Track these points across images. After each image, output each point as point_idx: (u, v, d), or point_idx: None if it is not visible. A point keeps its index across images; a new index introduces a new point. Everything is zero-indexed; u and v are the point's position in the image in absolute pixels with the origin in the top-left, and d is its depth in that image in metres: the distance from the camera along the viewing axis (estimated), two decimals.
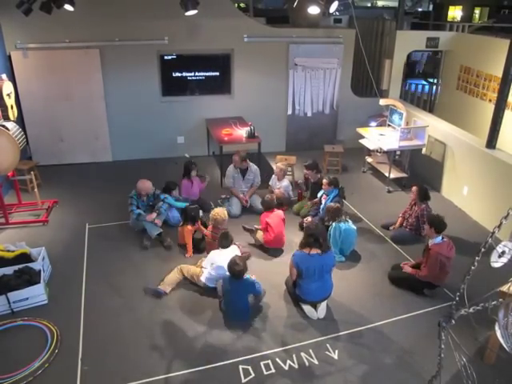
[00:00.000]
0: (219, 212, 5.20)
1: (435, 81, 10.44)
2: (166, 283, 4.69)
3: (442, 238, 4.56)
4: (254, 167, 6.57)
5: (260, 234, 5.52)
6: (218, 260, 4.56)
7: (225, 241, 4.65)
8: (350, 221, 5.39)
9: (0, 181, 6.00)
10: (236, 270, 4.10)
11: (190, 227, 5.36)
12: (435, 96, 10.04)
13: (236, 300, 4.23)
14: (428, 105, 10.27)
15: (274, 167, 7.01)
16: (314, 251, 4.26)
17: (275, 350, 3.95)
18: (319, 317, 4.36)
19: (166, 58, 7.96)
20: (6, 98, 5.75)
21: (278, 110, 8.73)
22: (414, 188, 5.72)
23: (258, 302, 4.41)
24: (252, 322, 4.28)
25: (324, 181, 5.89)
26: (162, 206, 5.71)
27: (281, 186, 6.57)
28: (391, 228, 5.95)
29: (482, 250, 2.35)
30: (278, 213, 5.56)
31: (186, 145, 8.46)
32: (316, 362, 3.83)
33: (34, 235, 5.73)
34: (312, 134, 8.96)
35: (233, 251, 4.64)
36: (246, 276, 4.28)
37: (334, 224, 5.27)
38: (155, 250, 5.49)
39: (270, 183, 6.79)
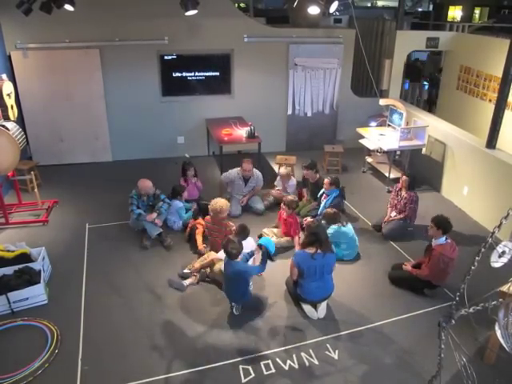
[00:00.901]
0: (218, 201, 5.13)
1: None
2: (195, 266, 4.86)
3: (446, 238, 4.57)
4: (257, 174, 6.43)
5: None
6: None
7: (242, 233, 4.78)
8: (349, 223, 5.39)
9: (0, 181, 6.00)
10: (230, 248, 4.15)
11: (201, 221, 5.55)
12: (430, 96, 10.05)
13: (234, 284, 4.26)
14: (428, 105, 10.28)
15: (277, 170, 6.99)
16: (317, 252, 4.24)
17: (275, 350, 3.95)
18: (319, 317, 4.36)
19: (166, 57, 7.95)
20: (6, 97, 5.74)
21: (278, 110, 8.73)
22: (404, 178, 5.79)
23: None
24: (252, 322, 4.28)
25: (326, 180, 5.86)
26: (162, 206, 5.71)
27: (288, 185, 6.53)
28: (384, 222, 5.94)
29: (482, 249, 2.35)
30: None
31: (186, 145, 8.46)
32: (316, 361, 3.83)
33: (34, 235, 5.73)
34: (312, 133, 8.95)
35: (249, 243, 4.81)
36: (242, 259, 4.36)
37: (335, 226, 5.23)
38: (155, 250, 5.49)
39: (276, 184, 6.79)
